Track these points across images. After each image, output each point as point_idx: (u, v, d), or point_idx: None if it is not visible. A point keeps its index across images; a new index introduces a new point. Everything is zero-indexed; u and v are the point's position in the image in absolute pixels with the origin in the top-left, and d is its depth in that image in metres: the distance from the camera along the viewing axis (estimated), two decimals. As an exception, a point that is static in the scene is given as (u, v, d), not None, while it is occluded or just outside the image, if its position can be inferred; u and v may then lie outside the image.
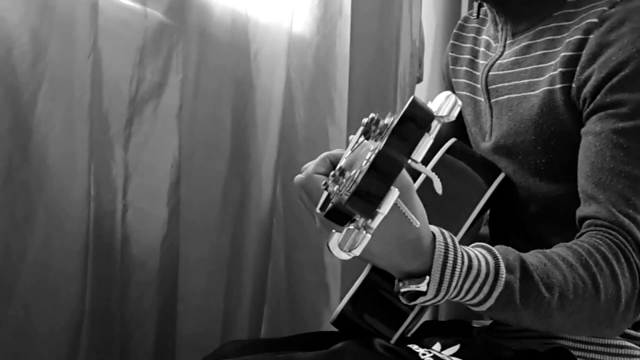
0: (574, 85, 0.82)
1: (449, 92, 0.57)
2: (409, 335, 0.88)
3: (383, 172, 0.52)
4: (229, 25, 1.15)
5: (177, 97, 1.14)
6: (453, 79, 1.08)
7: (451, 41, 1.10)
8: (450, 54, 1.09)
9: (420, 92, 1.53)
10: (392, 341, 0.85)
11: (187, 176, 1.14)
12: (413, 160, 0.53)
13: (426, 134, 0.53)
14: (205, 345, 1.12)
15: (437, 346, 0.84)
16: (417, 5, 1.39)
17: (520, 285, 0.69)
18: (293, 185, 0.72)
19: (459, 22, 1.11)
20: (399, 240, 0.65)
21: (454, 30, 1.10)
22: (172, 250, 1.16)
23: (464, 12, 1.45)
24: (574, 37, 0.83)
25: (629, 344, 0.84)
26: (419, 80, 1.48)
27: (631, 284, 0.73)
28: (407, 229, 0.65)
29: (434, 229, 0.69)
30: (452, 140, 0.95)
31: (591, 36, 0.81)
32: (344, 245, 0.54)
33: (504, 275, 0.68)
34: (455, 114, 0.55)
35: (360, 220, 0.53)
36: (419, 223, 0.63)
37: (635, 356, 0.84)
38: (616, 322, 0.74)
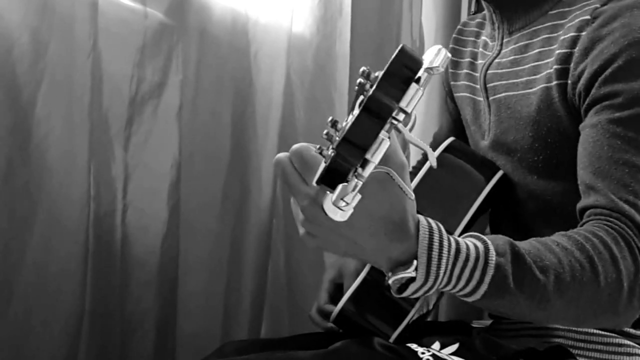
0: (569, 81, 0.82)
1: (439, 46, 0.56)
2: (407, 335, 0.88)
3: (373, 115, 0.51)
4: (229, 25, 1.15)
5: (177, 97, 1.14)
6: (452, 82, 1.09)
7: (451, 45, 1.11)
8: (450, 58, 1.09)
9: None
10: (391, 340, 0.85)
11: (187, 176, 1.14)
12: (403, 110, 0.52)
13: (415, 84, 0.52)
14: (205, 345, 1.12)
15: (436, 345, 0.84)
16: (417, 5, 1.39)
17: (512, 269, 0.67)
18: (275, 165, 0.65)
19: (458, 27, 1.13)
20: (385, 220, 0.63)
21: (454, 35, 1.11)
22: (172, 250, 1.16)
23: (464, 12, 1.45)
24: (568, 35, 0.84)
25: (628, 342, 0.84)
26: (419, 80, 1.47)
27: (633, 268, 0.71)
28: (394, 210, 0.63)
29: (419, 216, 0.67)
30: (450, 139, 0.96)
31: (583, 33, 0.82)
32: (338, 201, 0.53)
33: (494, 258, 0.66)
34: (444, 65, 0.55)
35: (353, 178, 0.53)
36: (413, 195, 0.62)
37: (635, 354, 0.84)
38: (621, 309, 0.71)
